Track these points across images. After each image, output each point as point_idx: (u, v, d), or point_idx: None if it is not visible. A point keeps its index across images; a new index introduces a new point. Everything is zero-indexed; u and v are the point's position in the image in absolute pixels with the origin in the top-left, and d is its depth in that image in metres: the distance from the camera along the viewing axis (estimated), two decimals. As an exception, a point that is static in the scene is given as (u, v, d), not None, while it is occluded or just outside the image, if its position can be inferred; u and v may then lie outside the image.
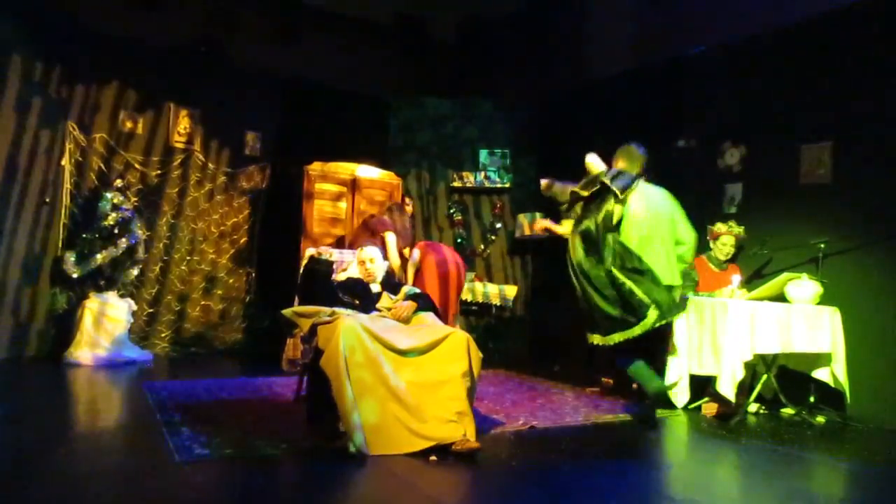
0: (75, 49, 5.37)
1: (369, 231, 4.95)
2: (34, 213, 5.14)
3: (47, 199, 5.20)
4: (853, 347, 4.05)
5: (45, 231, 5.21)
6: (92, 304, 5.05)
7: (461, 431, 2.83)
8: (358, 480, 2.57)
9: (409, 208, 6.72)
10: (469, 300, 6.25)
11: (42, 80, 5.17)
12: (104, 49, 5.52)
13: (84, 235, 5.17)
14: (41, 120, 5.15)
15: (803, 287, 4.05)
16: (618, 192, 3.68)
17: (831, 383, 4.04)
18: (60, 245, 5.26)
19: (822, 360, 4.06)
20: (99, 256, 5.13)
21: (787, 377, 4.23)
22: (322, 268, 3.63)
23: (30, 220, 5.11)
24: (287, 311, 3.45)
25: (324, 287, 3.52)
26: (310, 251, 4.38)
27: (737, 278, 4.28)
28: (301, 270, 3.96)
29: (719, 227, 4.54)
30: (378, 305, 3.47)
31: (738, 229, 4.53)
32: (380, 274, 3.65)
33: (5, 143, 4.94)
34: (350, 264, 3.85)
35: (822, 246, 4.18)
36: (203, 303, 6.02)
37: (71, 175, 5.36)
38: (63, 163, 5.31)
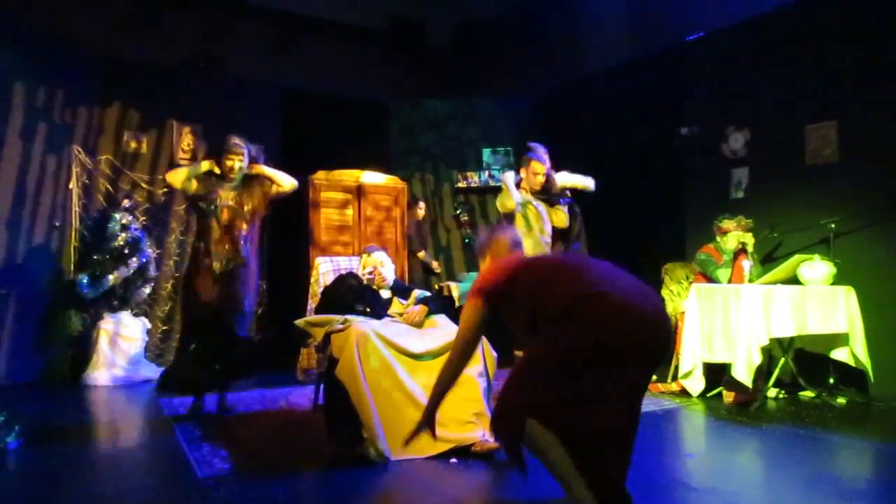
0: (76, 73, 5.41)
1: None
2: (45, 238, 5.18)
3: (56, 223, 5.25)
4: (871, 325, 4.01)
5: (56, 254, 5.26)
6: (107, 324, 5.09)
7: (480, 432, 2.83)
8: (381, 486, 2.57)
9: (421, 212, 6.73)
10: None
11: (45, 106, 5.21)
12: (104, 71, 5.55)
13: (95, 257, 5.20)
14: (47, 145, 5.19)
15: (816, 268, 4.02)
16: None
17: (851, 363, 4.00)
18: (73, 268, 5.30)
19: (840, 340, 4.02)
20: (111, 277, 5.16)
21: (805, 360, 4.20)
22: (354, 283, 3.62)
23: (41, 245, 5.15)
24: (300, 322, 3.46)
25: (342, 298, 3.52)
26: (321, 259, 4.39)
27: (747, 264, 4.24)
28: (334, 278, 3.97)
29: (727, 223, 4.36)
30: (389, 311, 3.48)
31: (747, 222, 4.37)
32: (390, 279, 3.66)
33: (13, 170, 4.98)
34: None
35: (833, 226, 4.14)
36: (216, 317, 6.03)
37: (79, 198, 5.39)
38: (70, 186, 5.35)
